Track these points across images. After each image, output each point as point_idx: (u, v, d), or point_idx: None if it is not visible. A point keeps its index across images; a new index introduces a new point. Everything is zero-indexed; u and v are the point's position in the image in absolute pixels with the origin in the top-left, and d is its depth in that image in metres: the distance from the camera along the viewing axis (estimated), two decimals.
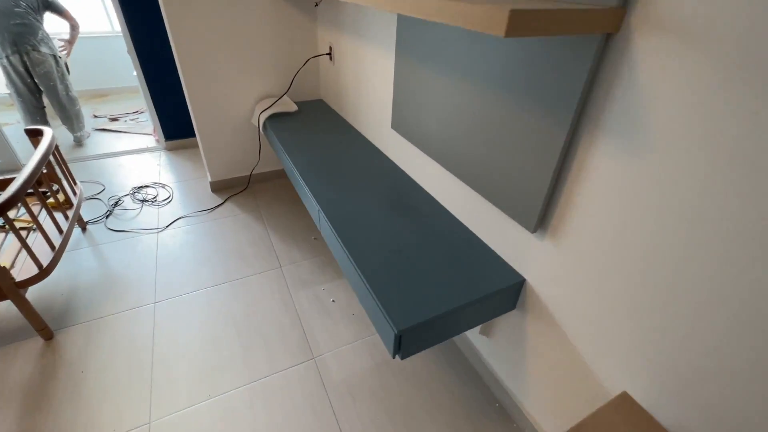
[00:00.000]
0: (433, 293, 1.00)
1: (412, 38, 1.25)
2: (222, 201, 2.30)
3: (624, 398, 0.83)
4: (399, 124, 1.47)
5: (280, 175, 2.55)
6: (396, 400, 1.31)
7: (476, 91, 1.02)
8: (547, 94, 0.81)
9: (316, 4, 2.01)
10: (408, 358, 1.42)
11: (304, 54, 2.20)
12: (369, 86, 1.69)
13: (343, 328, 1.55)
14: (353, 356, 1.44)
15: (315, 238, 2.04)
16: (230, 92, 2.12)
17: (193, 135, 2.95)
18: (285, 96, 2.22)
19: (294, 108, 2.12)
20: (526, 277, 1.06)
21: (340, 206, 1.33)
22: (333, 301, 1.67)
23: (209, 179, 2.37)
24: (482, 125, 1.03)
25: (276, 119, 2.03)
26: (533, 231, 0.95)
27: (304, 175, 1.53)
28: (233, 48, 2.00)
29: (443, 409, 1.29)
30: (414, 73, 1.28)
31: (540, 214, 0.92)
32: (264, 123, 2.04)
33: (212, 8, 1.86)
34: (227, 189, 2.42)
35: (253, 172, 2.46)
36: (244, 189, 2.42)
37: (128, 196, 2.32)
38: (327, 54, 2.06)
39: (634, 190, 0.73)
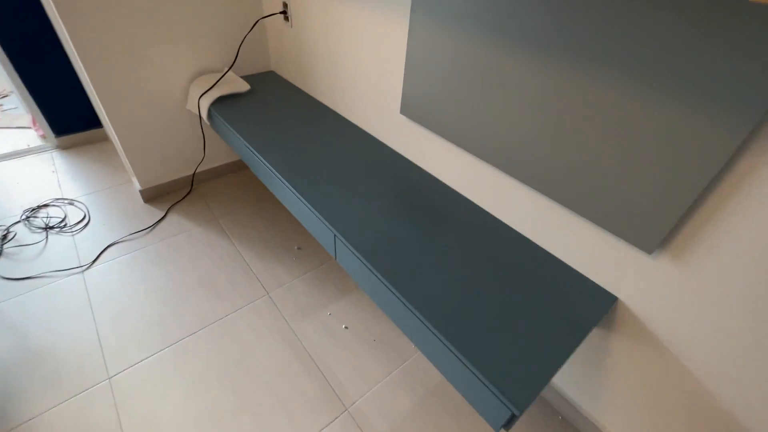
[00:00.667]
0: (534, 343, 0.79)
1: None
2: (163, 213, 1.80)
3: None
4: (415, 110, 1.15)
5: (232, 169, 2.07)
6: None
7: (570, 70, 0.76)
8: (719, 82, 0.59)
9: None
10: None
11: (248, 14, 1.68)
12: (357, 59, 1.32)
13: (368, 360, 1.30)
14: (391, 395, 1.22)
15: (299, 248, 1.69)
16: (154, 69, 1.56)
17: (97, 125, 2.24)
18: (230, 72, 1.71)
19: (246, 87, 1.64)
20: (618, 295, 0.90)
21: (361, 226, 1.03)
22: (346, 327, 1.39)
23: (138, 186, 1.82)
24: (582, 119, 0.78)
25: (224, 104, 1.55)
26: (650, 252, 0.77)
27: (294, 184, 1.16)
28: (153, 8, 1.43)
29: None
30: (448, 41, 0.97)
31: (667, 234, 0.74)
32: (209, 110, 1.55)
33: None
34: (165, 196, 1.90)
35: (197, 170, 1.95)
36: (189, 192, 1.92)
37: (21, 224, 1.69)
38: (281, 12, 1.59)
39: None
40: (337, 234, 1.01)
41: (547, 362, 0.76)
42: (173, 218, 1.77)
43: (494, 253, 0.98)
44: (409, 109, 1.17)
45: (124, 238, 1.65)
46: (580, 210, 0.86)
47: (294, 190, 1.15)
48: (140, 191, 1.82)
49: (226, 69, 1.71)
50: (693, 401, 0.86)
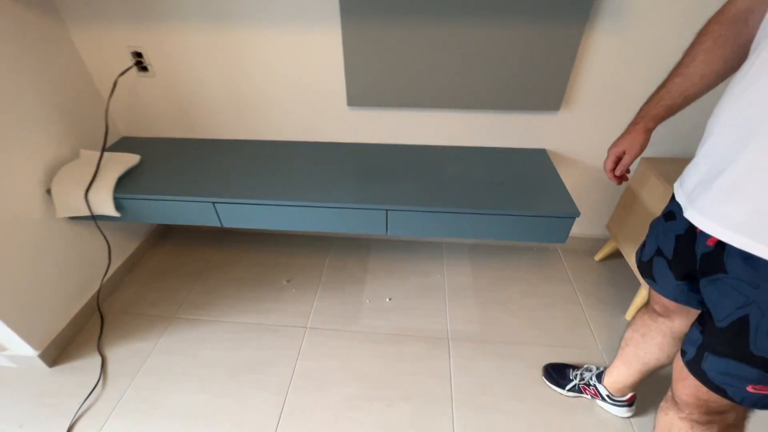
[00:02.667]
0: (531, 192, 1.27)
1: None
2: (96, 358, 1.34)
3: None
4: (363, 99, 1.38)
5: (140, 255, 1.64)
6: None
7: (474, 24, 1.20)
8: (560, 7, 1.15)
9: None
10: None
11: (76, 80, 1.36)
12: (276, 77, 1.38)
13: (431, 302, 1.53)
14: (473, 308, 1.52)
15: (288, 281, 1.64)
16: None
17: None
18: (100, 152, 1.35)
19: (136, 158, 1.38)
20: (545, 147, 1.49)
21: (368, 196, 1.23)
22: (389, 299, 1.55)
23: (32, 352, 1.27)
24: (486, 53, 1.24)
25: (128, 184, 1.29)
26: (557, 110, 1.36)
27: (287, 198, 1.21)
28: None
29: None
30: (380, 33, 1.24)
31: (563, 96, 1.33)
32: (113, 199, 1.25)
33: None
34: (74, 343, 1.39)
35: (104, 281, 1.49)
36: (102, 317, 1.46)
37: None
38: (136, 64, 1.38)
39: (627, 56, 1.23)
40: (390, 208, 1.19)
41: (554, 195, 1.26)
42: (116, 354, 1.36)
43: (467, 165, 1.40)
44: (357, 99, 1.39)
45: (79, 414, 1.19)
46: (505, 107, 1.36)
47: (295, 203, 1.21)
48: (39, 356, 1.28)
49: (99, 150, 1.35)
50: (598, 183, 1.56)
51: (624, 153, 0.85)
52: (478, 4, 1.15)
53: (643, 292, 1.39)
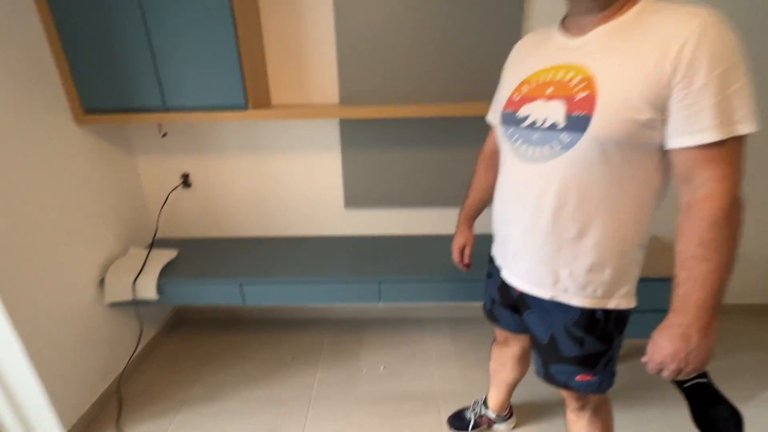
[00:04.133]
0: None
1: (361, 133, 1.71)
2: None
3: None
4: (357, 202, 1.84)
5: (155, 345, 1.81)
6: None
7: (447, 146, 1.73)
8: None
9: (164, 134, 1.71)
10: None
11: (131, 191, 1.76)
12: (289, 188, 1.83)
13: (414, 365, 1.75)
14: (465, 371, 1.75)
15: (293, 357, 1.84)
16: (59, 273, 1.40)
17: None
18: (148, 249, 1.68)
19: (174, 253, 1.72)
20: None
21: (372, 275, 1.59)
22: (384, 367, 1.77)
23: (62, 430, 1.38)
24: (461, 164, 1.76)
25: (169, 274, 1.60)
26: None
27: (311, 279, 1.55)
28: (51, 205, 1.37)
29: None
30: (371, 156, 1.75)
31: None
32: (157, 285, 1.55)
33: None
34: (94, 423, 1.49)
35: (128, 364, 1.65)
36: (120, 404, 1.58)
37: None
38: (182, 183, 1.81)
39: None
40: (383, 280, 1.54)
41: None
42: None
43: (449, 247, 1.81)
44: (352, 202, 1.84)
45: None
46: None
47: (304, 280, 1.54)
48: None
49: (149, 245, 1.69)
50: None
51: (464, 246, 1.23)
52: (448, 137, 1.69)
53: None
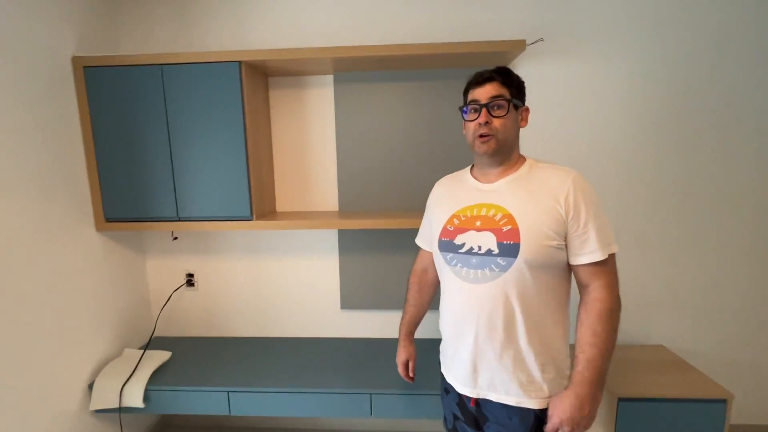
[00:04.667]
0: None
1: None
2: None
3: None
4: (353, 303, 1.85)
5: None
6: None
7: None
8: None
9: (175, 238, 1.84)
10: None
11: (135, 291, 1.83)
12: (287, 289, 1.88)
13: None
14: None
15: None
16: (57, 370, 1.40)
17: None
18: (142, 351, 1.69)
19: (167, 355, 1.71)
20: None
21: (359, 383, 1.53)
22: None
23: None
24: None
25: (158, 379, 1.57)
26: None
27: (299, 387, 1.50)
28: (60, 308, 1.42)
29: None
30: (366, 260, 1.81)
31: None
32: (145, 392, 1.51)
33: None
34: None
35: None
36: None
37: None
38: (187, 282, 1.88)
39: None
40: (374, 392, 1.47)
41: None
42: None
43: None
44: (348, 303, 1.85)
45: None
46: None
47: (293, 390, 1.49)
48: None
49: (142, 347, 1.70)
50: None
51: (408, 360, 1.28)
52: None
53: None
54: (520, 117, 1.00)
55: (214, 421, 2.01)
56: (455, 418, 1.12)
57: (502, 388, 0.97)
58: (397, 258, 1.78)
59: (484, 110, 0.95)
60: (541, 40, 1.49)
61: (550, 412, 0.94)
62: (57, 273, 1.42)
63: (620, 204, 1.72)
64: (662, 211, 1.71)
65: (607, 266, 0.93)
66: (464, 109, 1.00)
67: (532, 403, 0.95)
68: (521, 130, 1.03)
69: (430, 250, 1.17)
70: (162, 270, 1.90)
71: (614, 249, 0.94)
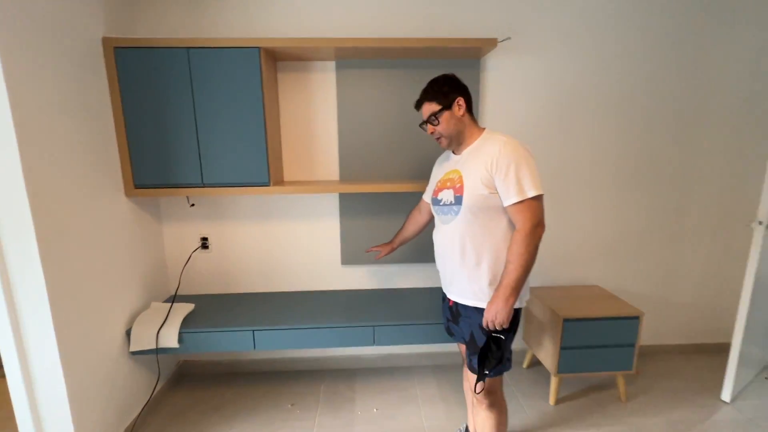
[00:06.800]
0: None
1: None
2: None
3: None
4: (352, 259, 2.17)
5: (160, 398, 1.92)
6: None
7: None
8: None
9: (192, 205, 2.04)
10: None
11: (156, 252, 2.03)
12: (293, 248, 2.16)
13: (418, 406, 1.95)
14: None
15: (292, 404, 2.00)
16: (99, 317, 1.62)
17: None
18: (171, 303, 1.91)
19: (191, 306, 1.95)
20: None
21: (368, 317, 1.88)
22: (376, 410, 1.95)
23: None
24: None
25: (188, 324, 1.82)
26: None
27: (312, 324, 1.82)
28: (99, 267, 1.63)
29: None
30: (364, 222, 2.12)
31: None
32: (179, 335, 1.76)
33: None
34: None
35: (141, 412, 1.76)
36: None
37: None
38: (202, 246, 2.11)
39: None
40: (376, 325, 1.81)
41: None
42: None
43: (437, 299, 2.12)
44: (348, 260, 2.17)
45: None
46: None
47: (307, 326, 1.80)
48: None
49: (171, 299, 1.92)
50: None
51: (386, 252, 1.82)
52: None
53: (555, 380, 1.98)
54: (456, 109, 1.32)
55: (229, 367, 2.28)
56: (447, 319, 1.52)
57: (465, 295, 1.36)
58: (390, 219, 2.11)
59: (428, 125, 1.36)
60: (509, 38, 1.85)
61: (485, 314, 1.29)
62: (95, 232, 1.61)
63: (567, 172, 2.15)
64: (599, 178, 2.17)
65: (525, 206, 1.22)
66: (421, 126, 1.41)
67: (484, 305, 1.32)
68: (486, 112, 1.41)
69: (428, 203, 1.57)
70: (178, 234, 2.11)
71: (530, 194, 1.21)
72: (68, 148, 1.48)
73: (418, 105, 1.38)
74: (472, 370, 1.38)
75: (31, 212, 1.29)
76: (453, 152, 1.42)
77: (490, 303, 1.27)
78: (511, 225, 1.29)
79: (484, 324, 1.29)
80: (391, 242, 1.82)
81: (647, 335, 2.38)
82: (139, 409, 1.83)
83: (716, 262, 2.32)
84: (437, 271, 1.54)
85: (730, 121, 2.15)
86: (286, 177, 2.08)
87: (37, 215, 1.31)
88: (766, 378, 2.19)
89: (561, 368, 1.91)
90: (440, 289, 1.55)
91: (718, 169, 2.21)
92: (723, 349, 2.11)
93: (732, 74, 2.09)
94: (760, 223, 1.84)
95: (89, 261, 1.57)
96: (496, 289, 1.26)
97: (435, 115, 1.31)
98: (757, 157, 2.15)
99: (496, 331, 1.29)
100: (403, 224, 1.78)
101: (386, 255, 1.83)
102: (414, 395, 2.08)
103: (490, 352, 1.30)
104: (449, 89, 1.32)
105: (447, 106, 1.31)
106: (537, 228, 1.24)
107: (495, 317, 1.25)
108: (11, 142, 1.24)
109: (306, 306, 2.01)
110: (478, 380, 1.31)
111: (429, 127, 1.36)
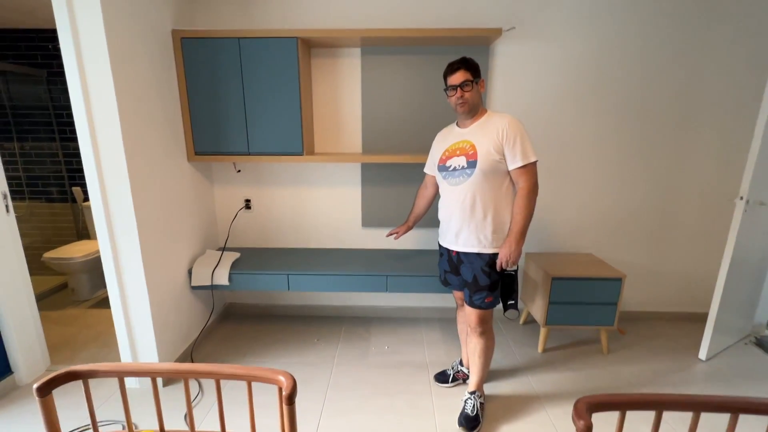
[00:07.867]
0: None
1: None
2: (197, 390, 1.99)
3: None
4: (372, 222, 2.51)
5: (211, 330, 2.38)
6: None
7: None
8: None
9: (239, 171, 2.44)
10: None
11: (209, 212, 2.45)
12: (321, 211, 2.52)
13: (423, 340, 2.31)
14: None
15: (317, 340, 2.41)
16: (170, 255, 2.05)
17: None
18: (222, 250, 2.34)
19: (237, 254, 2.36)
20: None
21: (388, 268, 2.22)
22: (387, 347, 2.32)
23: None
24: None
25: (236, 267, 2.23)
26: None
27: (334, 271, 2.18)
28: (170, 216, 2.05)
29: None
30: (383, 189, 2.45)
31: None
32: (229, 275, 2.17)
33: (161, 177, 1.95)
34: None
35: (199, 336, 2.22)
36: (191, 361, 2.14)
37: None
38: (245, 206, 2.51)
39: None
40: (389, 274, 2.16)
41: None
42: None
43: None
44: (368, 222, 2.51)
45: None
46: None
47: (330, 273, 2.17)
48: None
49: (221, 248, 2.36)
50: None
51: (404, 231, 2.04)
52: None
53: (543, 331, 2.27)
54: (479, 87, 1.58)
55: (266, 310, 2.71)
56: (445, 272, 1.81)
57: (471, 243, 1.63)
58: (405, 187, 2.43)
59: (459, 89, 1.55)
60: (513, 28, 2.07)
61: (499, 256, 1.59)
62: (166, 186, 2.02)
63: (568, 149, 2.37)
64: (597, 155, 2.38)
65: (527, 169, 1.54)
66: (446, 90, 1.60)
67: (486, 251, 1.61)
68: (495, 93, 1.66)
69: (432, 174, 1.82)
70: (226, 196, 2.52)
71: (531, 159, 1.53)
72: (151, 120, 1.88)
73: (454, 70, 1.55)
74: (472, 306, 1.67)
75: (126, 167, 1.70)
76: (458, 126, 1.69)
77: (503, 247, 1.58)
78: (511, 186, 1.60)
79: (498, 263, 1.59)
80: (406, 222, 2.03)
81: (635, 302, 2.62)
82: (197, 334, 2.29)
83: (703, 236, 2.50)
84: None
85: (723, 104, 2.29)
86: (317, 149, 2.43)
87: (131, 169, 1.73)
88: (745, 344, 2.38)
89: (549, 320, 2.19)
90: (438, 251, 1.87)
91: (709, 148, 2.36)
92: (707, 319, 2.32)
93: (728, 60, 2.22)
94: (741, 198, 2.02)
95: (163, 208, 1.99)
96: (507, 235, 1.58)
97: (469, 82, 1.54)
98: (744, 139, 2.29)
99: (507, 271, 1.63)
100: (414, 203, 1.99)
101: (404, 234, 2.05)
102: (420, 339, 2.44)
103: (506, 287, 1.64)
104: (478, 70, 1.59)
105: (477, 79, 1.57)
106: (536, 186, 1.57)
107: (509, 256, 1.57)
108: (114, 115, 1.64)
109: (331, 259, 2.38)
110: (505, 310, 1.67)
111: (458, 91, 1.54)
